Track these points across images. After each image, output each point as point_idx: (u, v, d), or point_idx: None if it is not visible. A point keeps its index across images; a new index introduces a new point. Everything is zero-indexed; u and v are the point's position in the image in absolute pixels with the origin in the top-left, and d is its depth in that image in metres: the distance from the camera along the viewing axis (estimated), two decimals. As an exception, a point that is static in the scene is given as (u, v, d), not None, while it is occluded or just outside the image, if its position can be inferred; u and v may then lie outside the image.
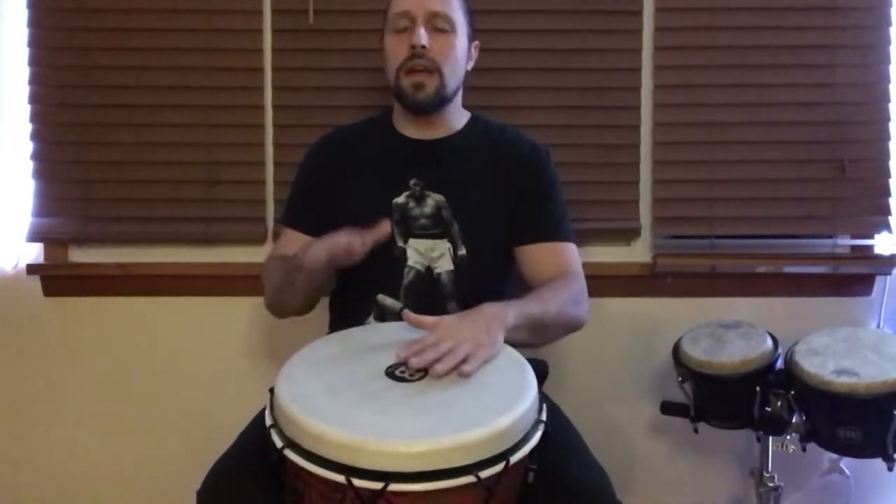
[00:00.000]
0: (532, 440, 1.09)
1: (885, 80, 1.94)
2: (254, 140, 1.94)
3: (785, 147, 1.94)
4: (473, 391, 1.14)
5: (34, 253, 1.97)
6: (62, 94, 1.93)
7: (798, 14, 1.93)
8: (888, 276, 1.97)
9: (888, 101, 1.94)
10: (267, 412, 1.13)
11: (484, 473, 1.01)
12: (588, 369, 2.00)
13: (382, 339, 1.27)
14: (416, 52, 1.49)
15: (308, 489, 1.06)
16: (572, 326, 1.50)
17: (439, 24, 1.51)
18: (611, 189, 1.97)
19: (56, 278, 1.98)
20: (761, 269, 1.95)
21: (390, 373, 1.17)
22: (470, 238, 1.53)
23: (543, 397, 1.21)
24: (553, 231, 1.56)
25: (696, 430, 1.74)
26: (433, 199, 1.54)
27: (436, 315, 1.30)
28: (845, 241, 1.99)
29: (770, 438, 1.70)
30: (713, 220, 1.95)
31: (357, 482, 0.98)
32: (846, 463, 1.97)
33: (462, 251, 1.53)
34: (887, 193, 1.95)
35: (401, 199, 1.54)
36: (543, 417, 1.14)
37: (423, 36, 1.49)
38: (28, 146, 1.93)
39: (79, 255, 1.99)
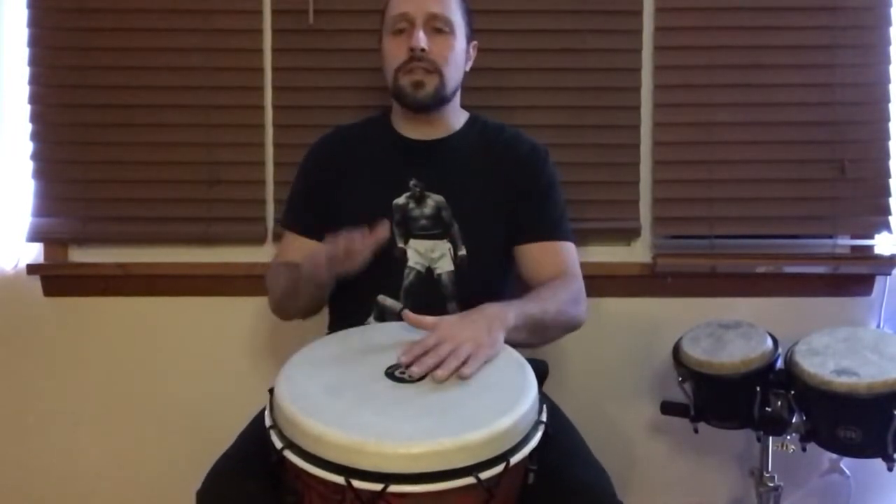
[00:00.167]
0: (532, 441, 1.09)
1: (885, 80, 1.94)
2: (254, 140, 1.94)
3: (785, 147, 1.94)
4: (473, 392, 1.14)
5: (34, 253, 1.97)
6: (62, 94, 1.93)
7: (798, 14, 1.93)
8: (888, 276, 1.97)
9: (888, 101, 1.94)
10: (266, 413, 1.13)
11: (484, 474, 1.01)
12: (588, 369, 2.00)
13: (382, 339, 1.27)
14: (416, 54, 1.49)
15: (308, 490, 1.06)
16: (571, 326, 1.50)
17: (438, 26, 1.51)
18: (611, 189, 1.97)
19: (56, 278, 1.98)
20: (761, 269, 1.95)
21: (390, 373, 1.17)
22: (470, 238, 1.53)
23: (544, 398, 1.21)
24: (552, 231, 1.56)
25: (696, 430, 1.74)
26: (433, 200, 1.54)
27: (436, 315, 1.30)
28: (845, 241, 1.99)
29: (770, 438, 1.70)
30: (713, 220, 1.95)
31: (357, 483, 0.98)
32: (846, 463, 1.97)
33: (462, 251, 1.53)
34: (887, 193, 1.95)
35: (401, 200, 1.54)
36: (544, 418, 1.14)
37: (421, 39, 1.48)
38: (28, 146, 1.93)
39: (79, 255, 1.99)
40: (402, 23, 1.51)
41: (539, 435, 1.11)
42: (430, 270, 1.52)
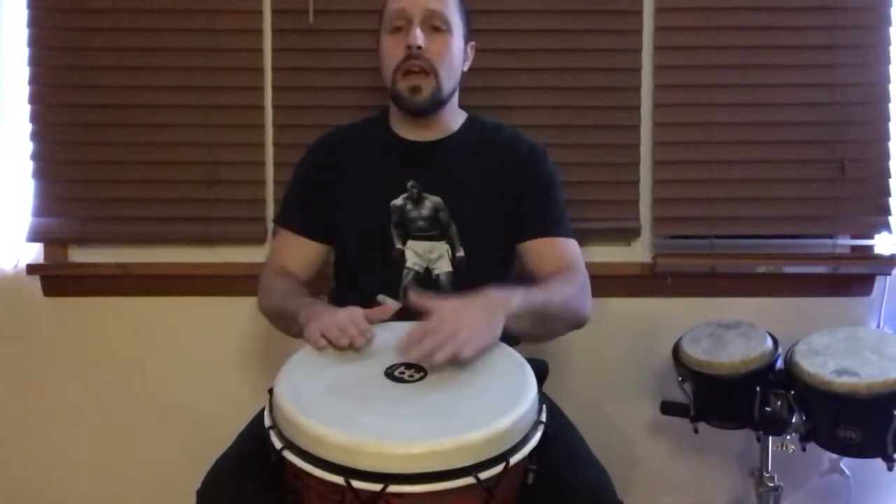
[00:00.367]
0: (532, 441, 1.09)
1: (885, 80, 1.94)
2: (254, 140, 1.95)
3: (785, 147, 1.94)
4: (473, 392, 1.14)
5: (34, 253, 1.97)
6: (62, 94, 1.93)
7: (798, 14, 1.93)
8: (888, 276, 1.97)
9: (888, 101, 1.94)
10: (266, 413, 1.13)
11: (483, 474, 1.01)
12: (588, 369, 2.00)
13: (382, 339, 1.27)
14: (413, 52, 1.48)
15: (307, 490, 1.06)
16: (576, 320, 1.48)
17: (435, 24, 1.51)
18: (611, 189, 1.96)
19: (56, 278, 1.98)
20: (761, 269, 1.95)
21: (389, 373, 1.16)
22: (468, 239, 1.53)
23: (543, 397, 1.21)
24: (554, 227, 1.55)
25: (696, 430, 1.74)
26: (430, 201, 1.53)
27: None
28: (845, 241, 1.99)
29: (770, 438, 1.70)
30: (713, 220, 1.95)
31: (356, 484, 0.98)
32: (846, 463, 1.97)
33: (460, 252, 1.53)
34: (887, 193, 1.95)
35: (398, 202, 1.54)
36: (543, 418, 1.14)
37: (418, 36, 1.48)
38: (28, 146, 1.93)
39: (79, 255, 1.99)
40: (400, 20, 1.51)
41: (539, 435, 1.11)
42: (428, 271, 1.52)
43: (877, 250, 1.98)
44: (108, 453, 2.02)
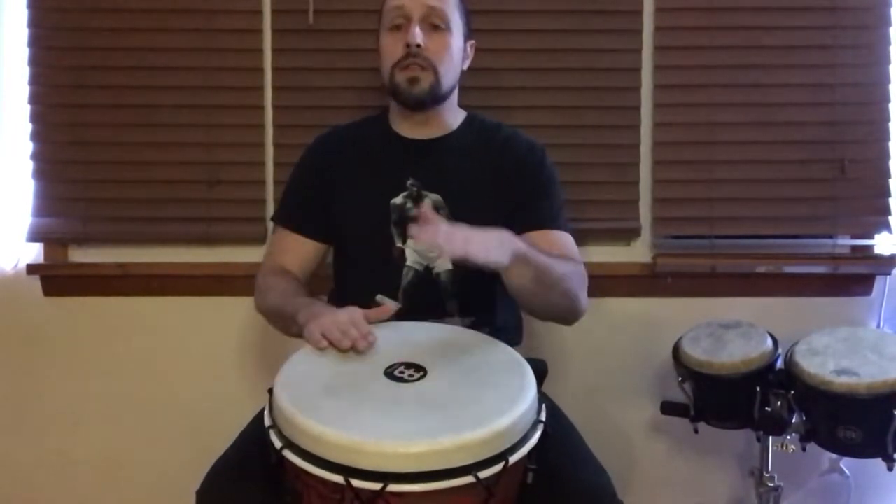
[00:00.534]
0: (531, 440, 1.09)
1: (885, 80, 1.94)
2: (254, 140, 1.95)
3: (785, 147, 1.94)
4: (473, 391, 1.14)
5: (34, 253, 1.97)
6: (62, 94, 1.93)
7: (798, 14, 1.93)
8: (888, 276, 1.97)
9: (888, 101, 1.94)
10: (266, 413, 1.13)
11: (483, 474, 1.01)
12: (588, 369, 2.00)
13: (381, 339, 1.27)
14: (411, 50, 1.48)
15: (307, 490, 1.06)
16: (572, 302, 1.44)
17: (435, 21, 1.50)
18: (611, 189, 1.96)
19: (56, 278, 1.98)
20: (761, 269, 1.95)
21: (389, 373, 1.16)
22: None
23: (543, 397, 1.21)
24: (550, 221, 1.54)
25: (696, 430, 1.74)
26: (430, 199, 1.53)
27: (437, 316, 1.29)
28: (845, 241, 1.99)
29: (770, 438, 1.70)
30: (713, 220, 1.95)
31: (356, 483, 0.98)
32: (846, 463, 1.97)
33: None
34: (887, 193, 1.95)
35: (398, 200, 1.54)
36: (543, 417, 1.14)
37: (417, 34, 1.48)
38: (28, 146, 1.93)
39: (79, 255, 1.99)
40: (399, 18, 1.50)
41: (538, 434, 1.11)
42: (428, 270, 1.52)
43: (877, 250, 1.98)
44: (108, 453, 2.02)
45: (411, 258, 1.52)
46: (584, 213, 1.88)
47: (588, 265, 1.57)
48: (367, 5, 1.81)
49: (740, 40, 1.93)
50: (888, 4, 1.93)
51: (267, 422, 1.11)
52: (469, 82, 1.65)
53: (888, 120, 1.94)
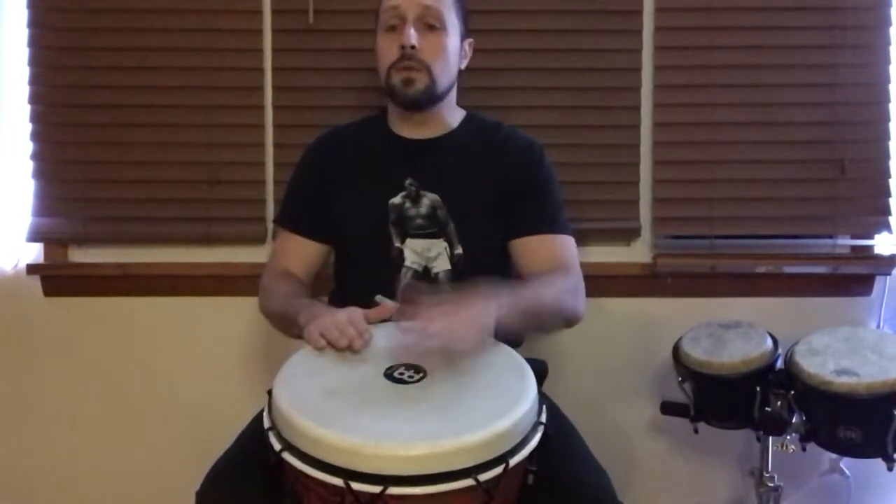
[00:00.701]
0: (531, 442, 1.09)
1: (885, 80, 1.94)
2: (254, 140, 1.94)
3: (785, 147, 1.94)
4: (473, 393, 1.14)
5: (34, 253, 1.97)
6: (62, 94, 1.93)
7: (798, 14, 1.93)
8: (888, 276, 1.96)
9: (888, 101, 1.94)
10: (265, 414, 1.13)
11: (483, 476, 1.01)
12: (588, 369, 2.00)
13: (381, 340, 1.27)
14: (406, 52, 1.48)
15: (307, 492, 1.06)
16: (569, 318, 1.48)
17: (430, 21, 1.50)
18: (611, 189, 1.96)
19: (56, 278, 1.98)
20: (761, 269, 1.95)
21: (389, 375, 1.16)
22: (466, 237, 1.53)
23: (543, 398, 1.20)
24: (549, 224, 1.55)
25: (696, 430, 1.74)
26: (428, 199, 1.53)
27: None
28: (845, 241, 1.99)
29: (770, 438, 1.70)
30: (713, 220, 1.95)
31: (355, 485, 0.98)
32: (846, 463, 1.97)
33: (459, 250, 1.53)
34: (887, 193, 1.95)
35: (397, 200, 1.54)
36: (543, 419, 1.14)
37: (412, 36, 1.48)
38: (28, 146, 1.93)
39: (79, 255, 1.99)
40: (394, 18, 1.50)
41: (538, 436, 1.11)
42: (427, 270, 1.52)
43: (877, 250, 1.98)
44: (108, 453, 2.02)
45: (409, 258, 1.52)
46: (583, 213, 1.87)
47: (588, 265, 1.57)
48: (367, 5, 1.80)
49: (740, 40, 1.93)
50: (888, 4, 1.93)
51: (266, 423, 1.11)
52: (469, 82, 1.65)
53: (888, 120, 1.94)
